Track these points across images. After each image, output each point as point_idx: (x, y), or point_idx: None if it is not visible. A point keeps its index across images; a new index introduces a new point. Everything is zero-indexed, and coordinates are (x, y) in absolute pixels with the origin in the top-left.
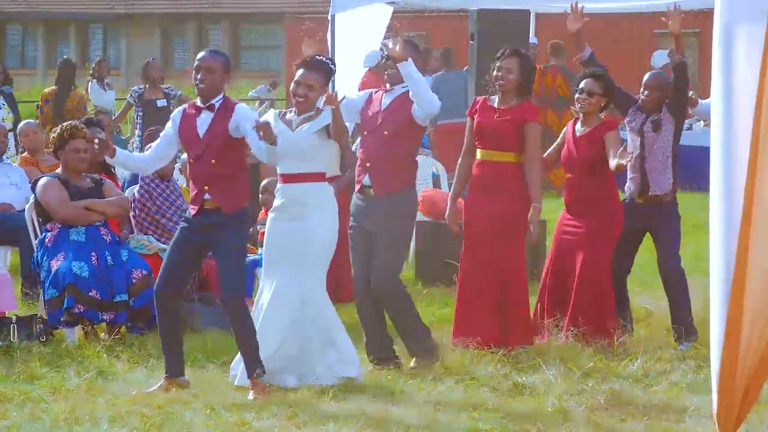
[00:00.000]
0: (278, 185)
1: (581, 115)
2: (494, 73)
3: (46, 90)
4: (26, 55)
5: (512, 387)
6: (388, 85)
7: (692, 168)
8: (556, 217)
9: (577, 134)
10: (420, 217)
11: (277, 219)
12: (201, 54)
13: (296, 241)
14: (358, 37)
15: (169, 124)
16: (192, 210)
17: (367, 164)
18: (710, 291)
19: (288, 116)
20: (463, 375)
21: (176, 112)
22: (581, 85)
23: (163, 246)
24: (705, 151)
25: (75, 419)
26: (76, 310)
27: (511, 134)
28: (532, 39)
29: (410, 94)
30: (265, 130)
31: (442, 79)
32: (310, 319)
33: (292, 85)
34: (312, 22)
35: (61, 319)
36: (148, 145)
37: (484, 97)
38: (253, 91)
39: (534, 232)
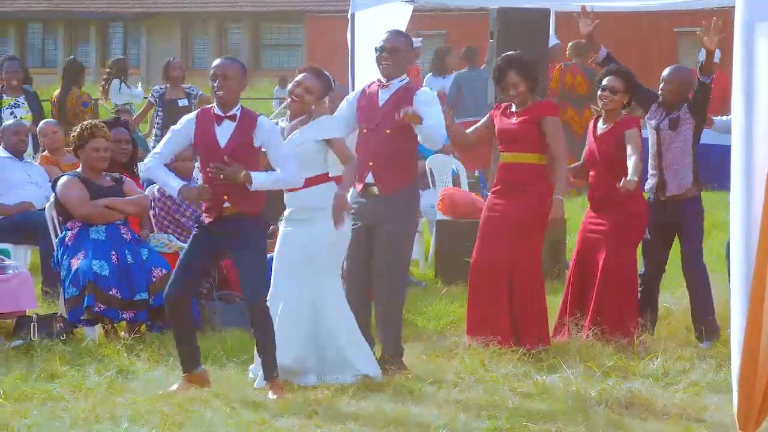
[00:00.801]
0: (285, 195)
1: (603, 112)
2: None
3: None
4: (47, 55)
5: (532, 386)
6: (383, 80)
7: (712, 166)
8: (578, 216)
9: (599, 132)
10: (440, 216)
11: (288, 226)
12: (217, 61)
13: (306, 244)
14: (378, 35)
15: (177, 127)
16: (208, 218)
17: (369, 163)
18: (731, 290)
19: (281, 124)
20: (482, 374)
21: (188, 120)
22: (604, 82)
23: (182, 245)
24: (725, 150)
25: (95, 418)
26: (97, 309)
27: (530, 134)
28: (553, 38)
29: (419, 135)
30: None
31: (464, 77)
32: (326, 321)
33: (291, 84)
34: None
35: (82, 318)
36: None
37: (506, 104)
38: (276, 90)
39: (554, 224)
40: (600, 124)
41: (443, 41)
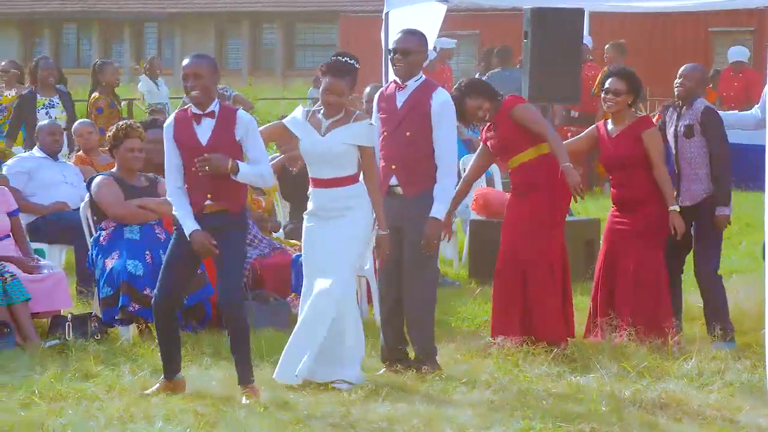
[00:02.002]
0: (310, 189)
1: (610, 115)
2: None
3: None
4: (81, 55)
5: (566, 386)
6: (399, 81)
7: (746, 167)
8: (605, 216)
9: (612, 134)
10: (473, 215)
11: (312, 222)
12: (186, 60)
13: (332, 240)
14: None
15: (165, 138)
16: None
17: (393, 166)
18: (765, 290)
19: (318, 116)
20: (516, 374)
21: (167, 126)
22: (606, 84)
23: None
24: (760, 150)
25: (129, 417)
26: (131, 309)
27: (513, 134)
28: (587, 38)
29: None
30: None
31: (498, 77)
32: (341, 321)
33: (321, 92)
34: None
35: (116, 318)
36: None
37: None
38: (311, 91)
39: (575, 183)
40: (610, 126)
41: (476, 41)
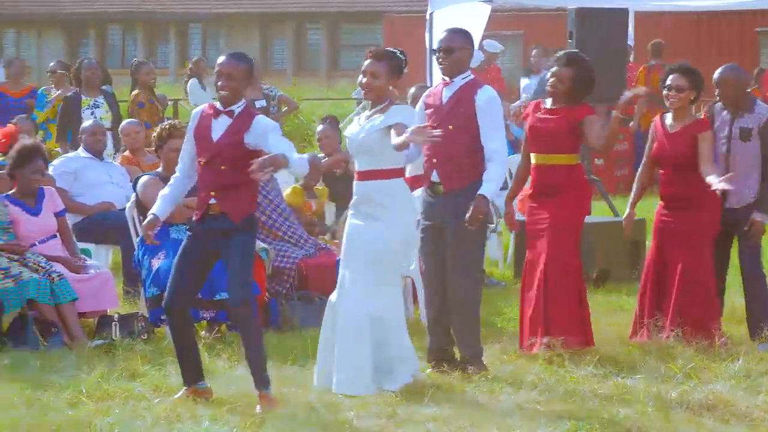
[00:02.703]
0: (354, 182)
1: (672, 111)
2: (548, 76)
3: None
4: (127, 55)
5: (612, 387)
6: (447, 78)
7: None
8: (651, 216)
9: (670, 130)
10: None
11: (354, 216)
12: (222, 59)
13: (369, 242)
14: None
15: (189, 125)
16: (195, 215)
17: (434, 160)
18: None
19: (364, 113)
20: (562, 375)
21: (194, 114)
22: (668, 81)
23: (263, 245)
24: None
25: (176, 417)
26: None
27: (561, 134)
28: (631, 38)
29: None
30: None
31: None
32: (385, 322)
33: (359, 75)
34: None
35: (162, 317)
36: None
37: (536, 101)
38: (355, 92)
39: (614, 124)
40: (669, 122)
41: (521, 41)
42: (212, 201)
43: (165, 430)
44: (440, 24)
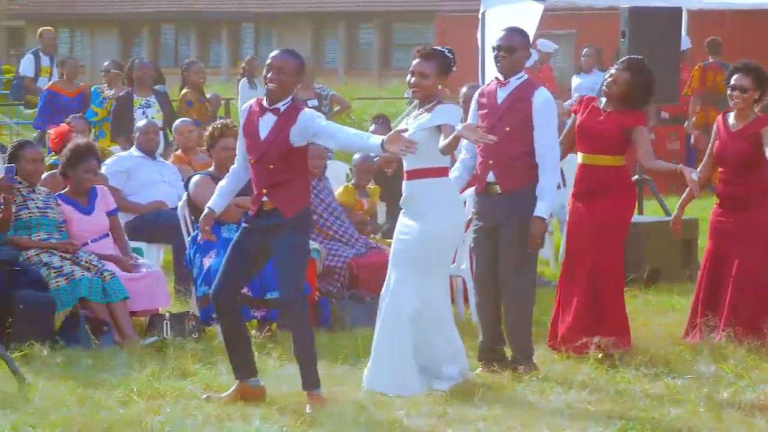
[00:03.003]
0: (403, 180)
1: (735, 110)
2: (605, 77)
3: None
4: (179, 55)
5: (663, 387)
6: (501, 77)
7: None
8: (705, 216)
9: (732, 129)
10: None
11: (403, 215)
12: (274, 53)
13: (414, 240)
14: None
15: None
16: (251, 211)
17: (490, 162)
18: None
19: (414, 113)
20: (613, 375)
21: (243, 111)
22: (732, 81)
23: (315, 245)
24: None
25: (227, 416)
26: None
27: (610, 137)
28: (684, 37)
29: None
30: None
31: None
32: (432, 321)
33: (408, 75)
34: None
35: (213, 316)
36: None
37: (589, 96)
38: (408, 91)
39: (694, 189)
40: (731, 121)
41: (573, 41)
42: (264, 198)
43: (215, 429)
44: (493, 23)
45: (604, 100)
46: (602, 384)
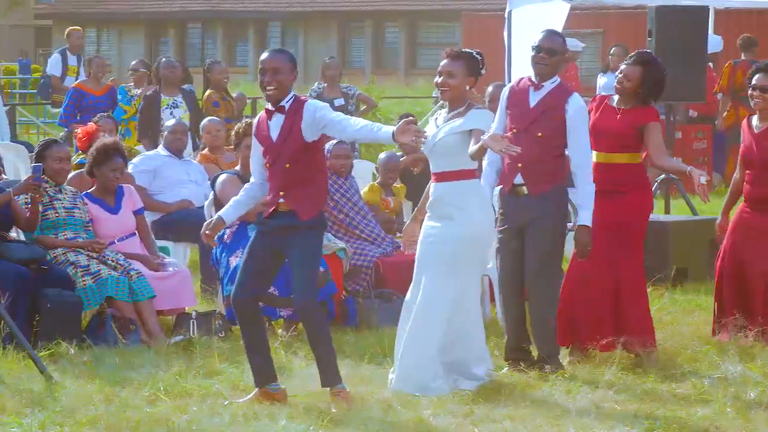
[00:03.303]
0: (431, 183)
1: (757, 111)
2: (617, 74)
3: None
4: (206, 54)
5: (690, 387)
6: (535, 79)
7: None
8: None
9: (756, 130)
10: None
11: (430, 218)
12: (265, 54)
13: (445, 242)
14: (535, 33)
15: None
16: (264, 212)
17: (518, 165)
18: None
19: (441, 111)
20: (640, 374)
21: (254, 121)
22: (753, 81)
23: (341, 244)
24: None
25: (253, 415)
26: None
27: (625, 134)
28: (712, 35)
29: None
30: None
31: None
32: (459, 327)
33: (436, 76)
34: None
35: None
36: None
37: (602, 95)
38: (436, 91)
39: (704, 195)
40: (755, 122)
41: (600, 40)
42: (281, 200)
43: (242, 427)
44: (519, 22)
45: (616, 98)
46: (629, 383)
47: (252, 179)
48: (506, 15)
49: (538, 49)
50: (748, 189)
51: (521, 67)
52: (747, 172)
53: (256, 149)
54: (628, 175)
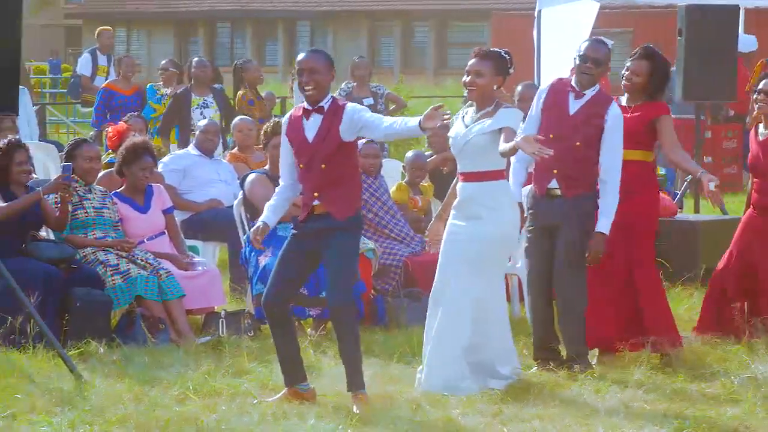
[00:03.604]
0: (458, 183)
1: (762, 117)
2: (622, 73)
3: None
4: (235, 54)
5: (720, 386)
6: (578, 87)
7: None
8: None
9: (761, 138)
10: None
11: (456, 217)
12: (301, 56)
13: (472, 241)
14: (564, 33)
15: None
16: (300, 216)
17: (554, 170)
18: None
19: (471, 109)
20: (669, 373)
21: (284, 120)
22: (760, 86)
23: (370, 245)
24: None
25: (282, 414)
26: None
27: (641, 131)
28: (742, 34)
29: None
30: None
31: None
32: (485, 326)
33: (464, 75)
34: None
35: None
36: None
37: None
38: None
39: (716, 200)
40: (761, 129)
41: (630, 39)
42: (316, 202)
43: (271, 427)
44: (548, 22)
45: (624, 97)
46: (658, 383)
47: (281, 181)
48: (536, 14)
49: (584, 58)
50: (756, 198)
51: (551, 66)
52: (755, 180)
53: (287, 149)
54: (639, 175)
